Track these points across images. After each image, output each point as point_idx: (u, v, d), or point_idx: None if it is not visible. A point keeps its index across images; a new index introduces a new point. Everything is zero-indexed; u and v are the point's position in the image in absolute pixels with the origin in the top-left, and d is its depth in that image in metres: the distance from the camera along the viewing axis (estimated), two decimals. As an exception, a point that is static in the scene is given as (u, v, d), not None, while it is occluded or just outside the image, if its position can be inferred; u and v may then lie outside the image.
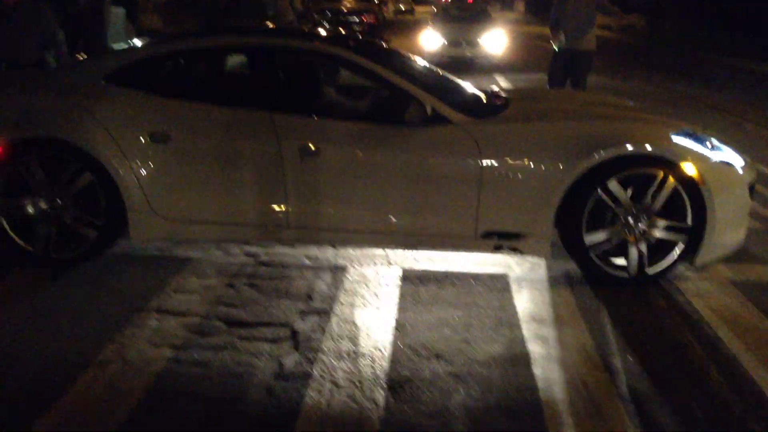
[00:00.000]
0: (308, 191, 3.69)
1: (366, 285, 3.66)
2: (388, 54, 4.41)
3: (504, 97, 4.33)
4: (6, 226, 3.75)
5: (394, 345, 3.04)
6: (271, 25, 8.77)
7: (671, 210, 3.58)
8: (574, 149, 3.53)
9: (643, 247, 3.61)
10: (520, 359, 2.95)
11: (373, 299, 3.49)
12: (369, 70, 3.81)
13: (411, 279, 3.75)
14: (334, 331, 3.15)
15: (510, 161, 3.56)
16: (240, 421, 2.49)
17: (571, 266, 3.89)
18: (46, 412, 2.50)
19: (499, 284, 3.71)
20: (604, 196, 3.53)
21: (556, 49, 7.14)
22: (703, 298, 3.57)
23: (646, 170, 3.53)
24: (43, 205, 3.72)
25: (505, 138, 3.64)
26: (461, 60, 14.94)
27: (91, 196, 3.73)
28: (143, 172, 3.68)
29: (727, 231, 3.63)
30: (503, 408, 2.59)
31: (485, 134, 3.62)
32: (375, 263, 3.94)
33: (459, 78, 4.57)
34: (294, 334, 3.12)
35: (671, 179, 3.49)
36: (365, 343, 3.04)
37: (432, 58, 15.08)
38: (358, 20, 21.29)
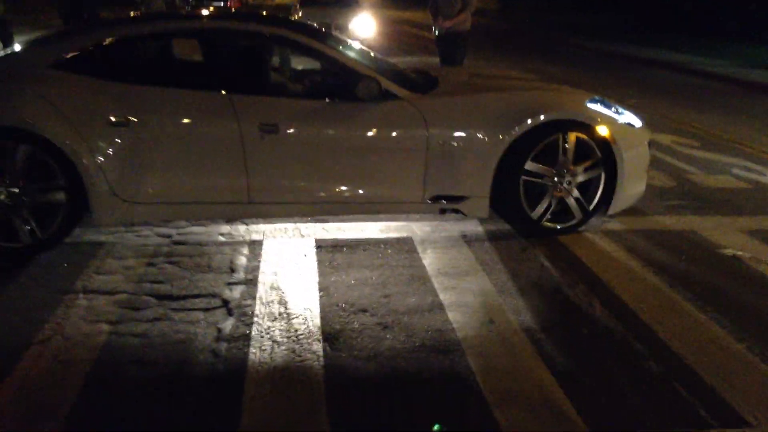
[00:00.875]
0: (268, 167, 3.91)
1: (284, 255, 3.88)
2: (330, 37, 4.63)
3: (431, 75, 4.70)
4: None
5: (322, 304, 3.30)
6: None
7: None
8: (508, 117, 3.97)
9: (554, 203, 4.14)
10: (435, 306, 3.31)
11: (293, 267, 3.73)
12: (325, 54, 4.12)
13: (324, 248, 4.01)
14: (264, 297, 3.36)
15: (453, 131, 3.96)
16: (192, 380, 2.67)
17: (467, 228, 4.32)
18: (-5, 390, 2.56)
19: (405, 246, 4.06)
20: (561, 143, 4.01)
21: (437, 33, 7.58)
22: (581, 246, 4.11)
23: (572, 133, 4.02)
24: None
25: (447, 110, 4.03)
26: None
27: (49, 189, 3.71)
28: (105, 157, 3.70)
29: (633, 183, 4.24)
30: (428, 347, 2.94)
31: (429, 107, 3.99)
32: (288, 236, 4.17)
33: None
34: (225, 303, 3.30)
35: (586, 138, 4.04)
36: (294, 305, 3.29)
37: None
38: (222, 5, 21.00)
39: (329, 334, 3.02)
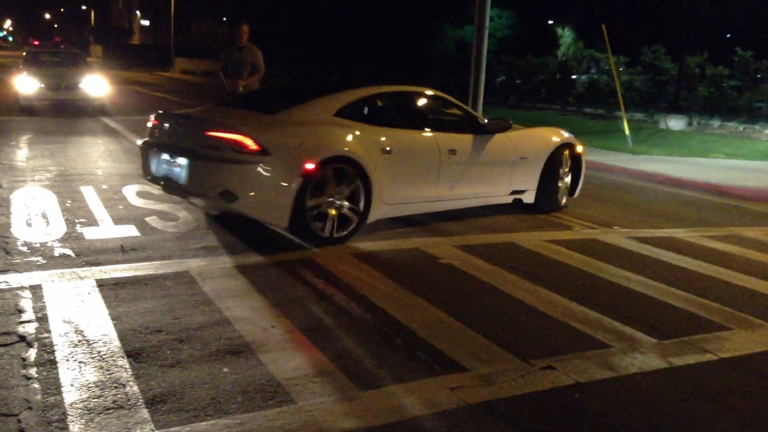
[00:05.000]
0: (449, 176, 6.26)
1: (67, 295, 4.11)
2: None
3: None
4: (308, 220, 5.29)
5: (118, 330, 3.66)
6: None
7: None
8: (545, 143, 7.10)
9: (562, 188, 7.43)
10: (222, 322, 3.86)
11: (79, 304, 3.99)
12: (462, 107, 6.88)
13: (107, 286, 4.32)
14: (58, 330, 3.61)
15: (526, 150, 6.87)
16: (11, 403, 2.89)
17: (239, 261, 4.93)
18: None
19: (185, 279, 4.53)
20: (566, 156, 7.31)
21: (229, 92, 8.30)
22: (335, 264, 4.97)
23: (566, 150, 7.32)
24: (332, 200, 5.40)
25: (522, 139, 6.94)
26: (62, 103, 14.76)
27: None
28: (380, 173, 5.62)
29: (582, 179, 7.53)
30: (222, 352, 3.49)
31: (515, 138, 6.84)
32: (67, 279, 4.38)
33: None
34: (22, 338, 3.49)
35: (570, 153, 7.34)
36: (91, 333, 3.59)
37: (30, 102, 14.55)
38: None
39: (132, 352, 3.41)
